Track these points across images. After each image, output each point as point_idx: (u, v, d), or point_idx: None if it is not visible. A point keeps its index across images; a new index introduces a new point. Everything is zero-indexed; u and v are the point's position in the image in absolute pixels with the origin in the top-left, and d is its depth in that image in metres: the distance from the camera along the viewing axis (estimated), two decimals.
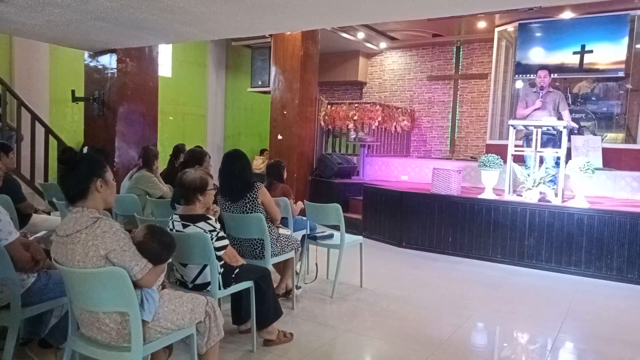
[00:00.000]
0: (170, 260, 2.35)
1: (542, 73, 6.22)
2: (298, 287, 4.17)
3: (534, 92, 6.28)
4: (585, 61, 7.64)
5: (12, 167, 4.93)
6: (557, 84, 7.99)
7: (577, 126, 6.20)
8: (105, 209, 2.25)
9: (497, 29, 8.74)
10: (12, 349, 2.46)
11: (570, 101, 7.60)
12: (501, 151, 6.22)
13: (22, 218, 3.93)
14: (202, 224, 2.82)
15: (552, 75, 6.37)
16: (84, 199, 2.15)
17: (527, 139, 6.14)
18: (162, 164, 6.74)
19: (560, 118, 6.01)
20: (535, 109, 6.12)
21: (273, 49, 8.00)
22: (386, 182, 7.73)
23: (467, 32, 9.75)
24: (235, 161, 3.60)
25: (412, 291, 4.50)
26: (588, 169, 5.28)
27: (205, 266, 2.84)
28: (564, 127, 5.51)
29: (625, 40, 7.33)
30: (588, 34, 7.60)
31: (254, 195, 3.55)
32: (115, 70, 6.12)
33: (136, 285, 2.09)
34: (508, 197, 5.76)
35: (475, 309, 4.07)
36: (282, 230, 3.88)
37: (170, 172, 5.39)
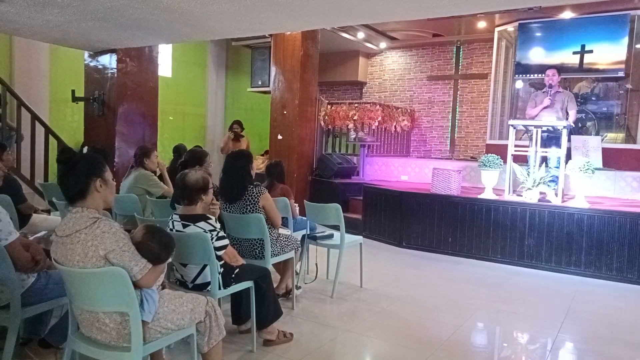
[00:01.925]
0: (170, 260, 2.35)
1: (550, 72, 6.23)
2: (298, 287, 4.17)
3: (543, 92, 6.30)
4: (585, 61, 7.63)
5: (12, 165, 4.92)
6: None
7: (573, 125, 6.25)
8: (105, 209, 2.25)
9: (497, 29, 8.74)
10: (12, 349, 2.46)
11: None
12: (501, 151, 6.22)
13: (22, 218, 3.93)
14: (202, 224, 2.82)
15: (560, 74, 6.35)
16: (83, 199, 2.15)
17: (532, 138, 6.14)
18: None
19: (566, 117, 6.03)
20: (545, 107, 6.13)
21: (273, 49, 8.00)
22: (386, 182, 7.73)
23: (467, 32, 9.75)
24: (234, 161, 3.61)
25: (412, 291, 4.50)
26: (588, 169, 5.28)
27: (205, 266, 2.84)
28: (564, 127, 5.51)
29: (625, 40, 7.32)
30: (588, 34, 7.59)
31: (255, 199, 3.56)
32: (115, 70, 6.11)
33: (136, 285, 2.09)
34: (508, 197, 5.76)
35: (475, 309, 4.07)
36: (282, 230, 3.88)
37: (171, 172, 5.37)
